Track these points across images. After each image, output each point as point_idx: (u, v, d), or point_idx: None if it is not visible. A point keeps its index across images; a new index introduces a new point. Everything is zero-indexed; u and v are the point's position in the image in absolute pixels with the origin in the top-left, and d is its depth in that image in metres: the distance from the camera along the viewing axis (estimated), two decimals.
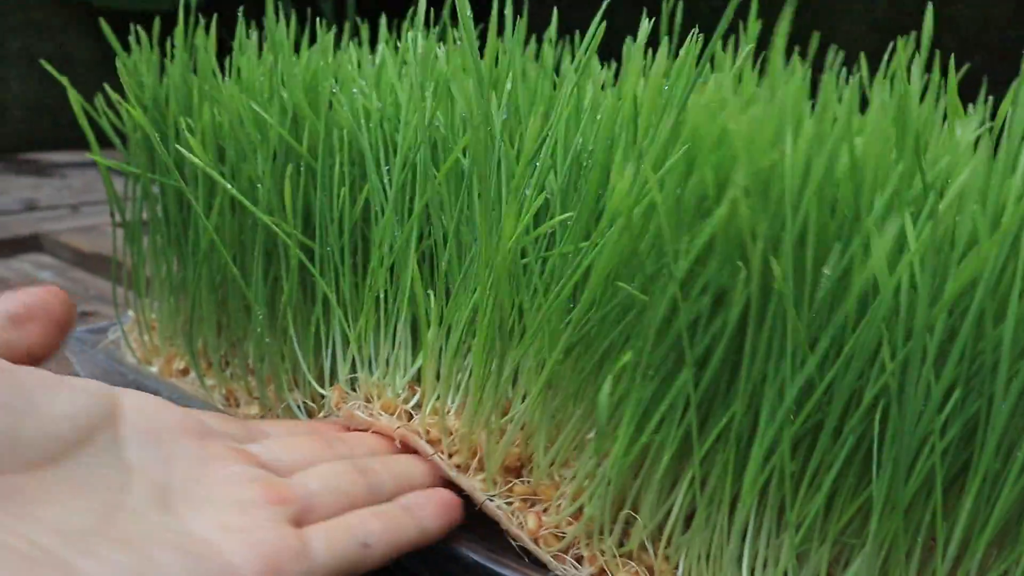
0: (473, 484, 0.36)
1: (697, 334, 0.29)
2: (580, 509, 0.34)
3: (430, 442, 0.37)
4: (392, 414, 0.39)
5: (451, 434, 0.37)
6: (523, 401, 0.36)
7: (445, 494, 0.35)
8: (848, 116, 0.25)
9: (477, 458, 0.37)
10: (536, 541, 0.34)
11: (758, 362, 0.28)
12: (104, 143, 0.45)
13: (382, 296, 0.40)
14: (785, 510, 0.29)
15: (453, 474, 0.36)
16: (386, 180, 0.40)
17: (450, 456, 0.37)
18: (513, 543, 0.34)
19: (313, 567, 0.28)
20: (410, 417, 0.39)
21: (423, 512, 0.33)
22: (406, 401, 0.39)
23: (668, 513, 0.32)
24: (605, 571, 0.33)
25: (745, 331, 0.28)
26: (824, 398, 0.28)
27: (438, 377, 0.38)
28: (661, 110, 0.31)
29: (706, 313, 0.29)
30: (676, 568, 0.32)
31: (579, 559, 0.33)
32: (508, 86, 0.37)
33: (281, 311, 0.42)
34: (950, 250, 0.27)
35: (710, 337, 0.29)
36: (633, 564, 0.33)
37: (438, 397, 0.38)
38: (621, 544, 0.33)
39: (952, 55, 0.33)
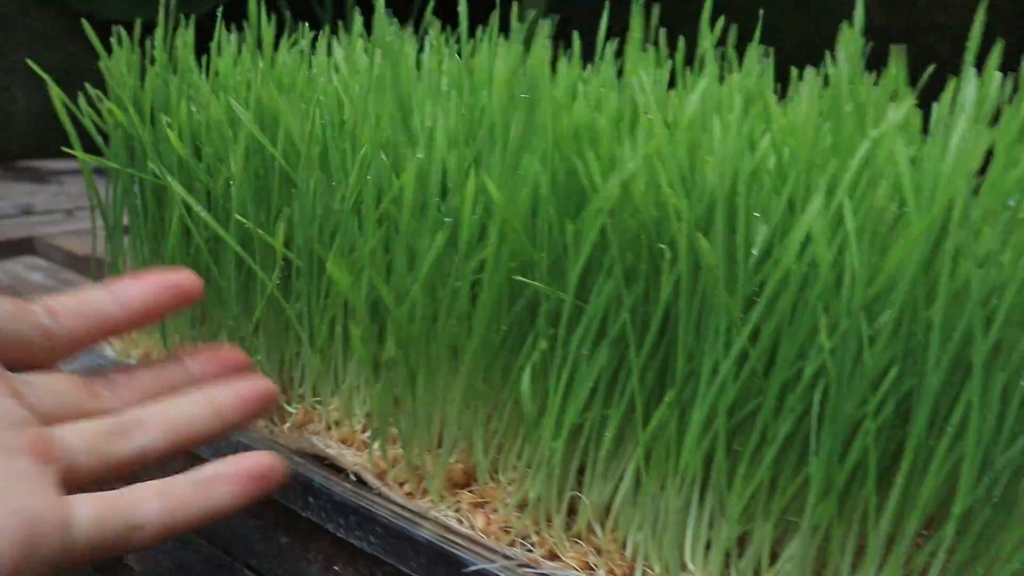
0: (422, 507, 0.36)
1: (608, 316, 0.30)
2: (526, 499, 0.34)
3: (379, 474, 0.38)
4: (351, 445, 0.40)
5: (396, 463, 0.38)
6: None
7: (250, 467, 0.31)
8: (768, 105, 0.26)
9: (423, 483, 0.37)
10: (488, 538, 0.35)
11: (689, 340, 0.29)
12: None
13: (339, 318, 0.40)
14: (728, 487, 0.30)
15: (402, 502, 0.37)
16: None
17: (401, 485, 0.38)
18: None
19: (75, 544, 0.26)
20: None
21: (219, 488, 0.30)
22: (364, 429, 0.41)
23: (614, 493, 0.33)
24: (555, 553, 0.33)
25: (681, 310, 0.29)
26: (761, 375, 0.29)
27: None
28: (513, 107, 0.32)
29: (620, 294, 0.30)
30: (623, 547, 0.33)
31: (525, 542, 0.34)
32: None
33: (253, 323, 0.43)
34: (886, 231, 0.28)
35: (640, 318, 0.30)
36: (582, 544, 0.34)
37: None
38: (570, 527, 0.34)
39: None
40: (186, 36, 0.46)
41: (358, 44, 0.45)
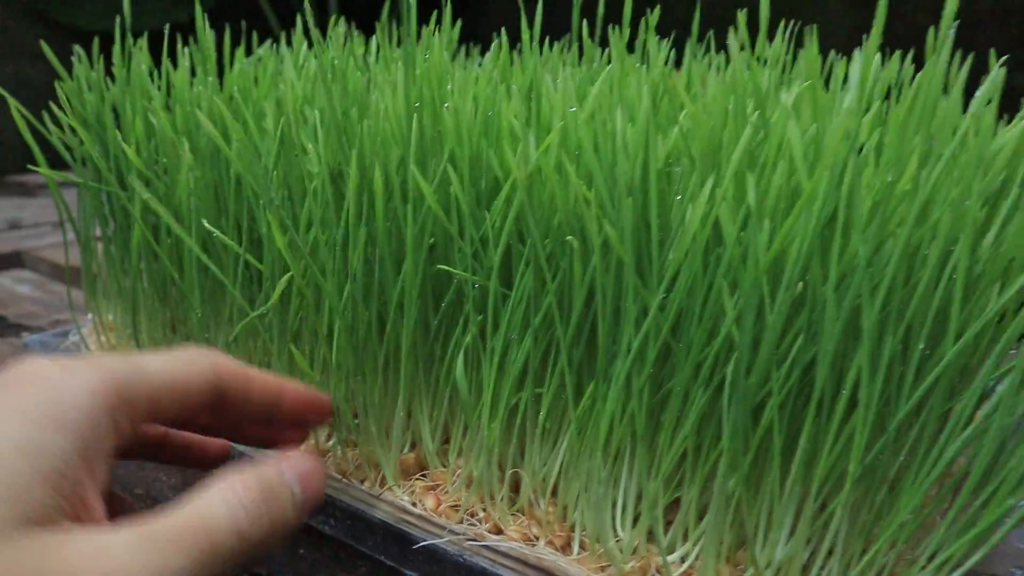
0: (376, 492, 0.39)
1: (529, 302, 0.32)
2: (472, 479, 0.37)
3: (343, 473, 0.40)
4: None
5: (357, 460, 0.40)
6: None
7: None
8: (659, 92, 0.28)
9: (381, 474, 0.40)
10: (439, 516, 0.37)
11: (607, 321, 0.31)
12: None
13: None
14: (651, 457, 0.32)
15: (360, 487, 0.39)
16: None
17: (362, 481, 0.40)
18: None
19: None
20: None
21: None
22: (329, 438, 0.42)
23: (551, 469, 0.35)
24: (499, 527, 0.35)
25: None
26: (676, 345, 0.31)
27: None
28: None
29: (538, 280, 0.32)
30: (563, 519, 0.35)
31: (473, 518, 0.36)
32: None
33: (224, 336, 0.45)
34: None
35: (567, 301, 0.32)
36: (524, 518, 0.36)
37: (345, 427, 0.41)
38: (515, 503, 0.36)
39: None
40: (141, 50, 0.48)
41: (301, 50, 0.47)
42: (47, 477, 0.23)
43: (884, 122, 0.33)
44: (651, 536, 0.33)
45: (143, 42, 0.48)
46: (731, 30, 0.33)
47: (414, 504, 0.38)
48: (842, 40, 0.43)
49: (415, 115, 0.35)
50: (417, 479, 0.39)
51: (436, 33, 0.45)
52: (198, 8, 0.44)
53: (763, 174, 0.31)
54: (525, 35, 0.37)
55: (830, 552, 0.31)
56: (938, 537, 0.29)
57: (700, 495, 0.33)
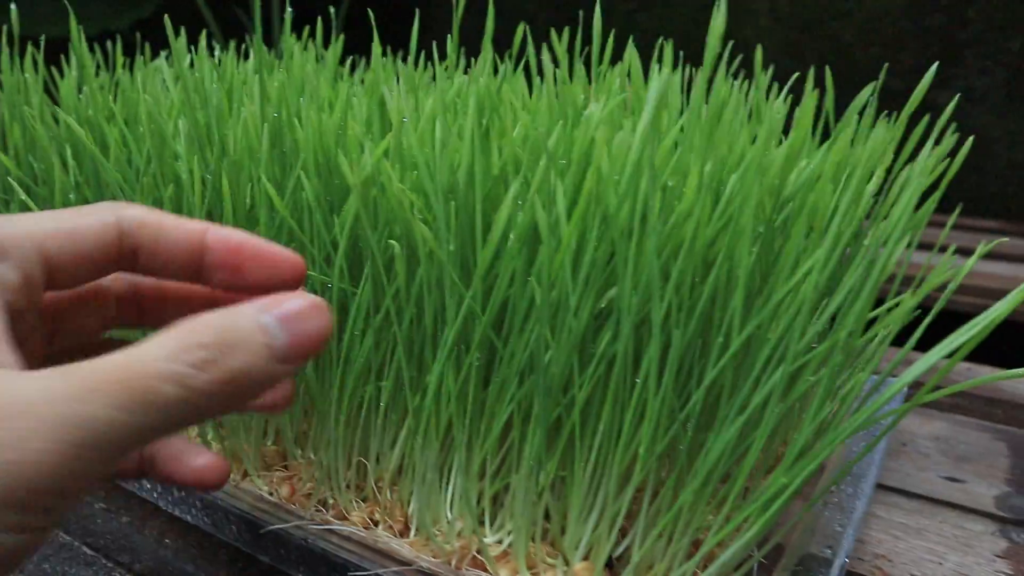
0: (234, 481, 0.41)
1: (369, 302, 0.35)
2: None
3: None
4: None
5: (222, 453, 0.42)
6: None
7: None
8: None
9: (243, 466, 0.42)
10: (293, 505, 0.39)
11: (433, 317, 0.33)
12: None
13: None
14: (468, 446, 0.34)
15: (229, 488, 0.40)
16: None
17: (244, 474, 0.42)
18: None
19: None
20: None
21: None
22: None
23: (393, 458, 0.37)
24: (345, 514, 0.37)
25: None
26: (497, 341, 0.33)
27: None
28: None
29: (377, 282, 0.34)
30: (406, 505, 0.37)
31: (325, 506, 0.38)
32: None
33: None
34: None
35: (392, 295, 0.34)
36: (368, 505, 0.38)
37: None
38: (363, 491, 0.38)
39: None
40: (34, 58, 0.49)
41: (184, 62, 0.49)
42: None
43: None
44: (482, 520, 0.36)
45: (31, 49, 0.50)
46: (546, 46, 0.36)
47: (271, 493, 0.40)
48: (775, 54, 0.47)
49: (266, 125, 0.37)
50: (277, 470, 0.41)
51: (310, 46, 0.47)
52: (73, 24, 0.45)
53: (575, 179, 0.33)
54: (376, 49, 0.40)
55: (635, 533, 0.33)
56: (723, 514, 0.32)
57: (525, 482, 0.35)
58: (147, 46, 0.56)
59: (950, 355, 0.30)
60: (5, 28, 0.50)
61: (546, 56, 0.39)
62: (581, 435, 0.32)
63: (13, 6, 0.50)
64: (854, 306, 0.30)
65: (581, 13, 0.47)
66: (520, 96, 0.42)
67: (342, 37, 0.53)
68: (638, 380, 0.31)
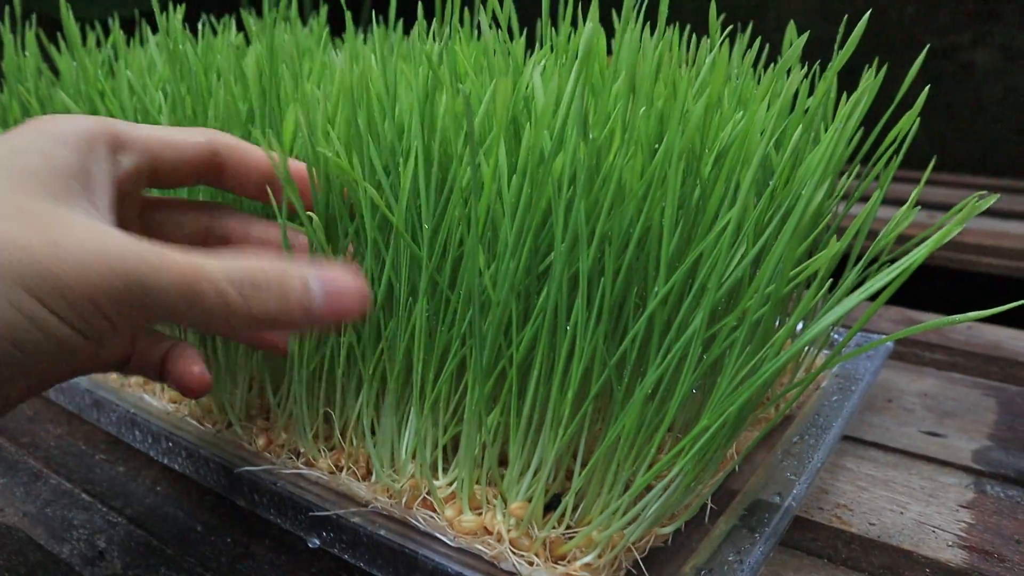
0: (212, 431, 0.43)
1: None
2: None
3: (197, 417, 0.45)
4: (175, 401, 0.47)
5: (208, 406, 0.45)
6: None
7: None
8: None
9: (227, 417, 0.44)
10: (268, 454, 0.41)
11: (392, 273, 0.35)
12: None
13: None
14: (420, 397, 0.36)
15: (212, 437, 0.43)
16: None
17: (213, 424, 0.44)
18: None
19: None
20: None
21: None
22: None
23: (355, 409, 0.39)
24: (311, 461, 0.40)
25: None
26: (452, 296, 0.35)
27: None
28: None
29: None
30: (368, 452, 0.39)
31: (297, 456, 0.41)
32: None
33: None
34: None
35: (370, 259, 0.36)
36: (335, 453, 0.40)
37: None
38: (328, 440, 0.41)
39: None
40: (38, 36, 0.52)
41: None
42: (60, 169, 0.27)
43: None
44: (436, 467, 0.37)
45: (31, 29, 0.53)
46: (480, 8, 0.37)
47: (249, 443, 0.42)
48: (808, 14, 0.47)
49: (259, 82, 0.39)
50: (259, 421, 0.44)
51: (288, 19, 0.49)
52: (62, 3, 0.48)
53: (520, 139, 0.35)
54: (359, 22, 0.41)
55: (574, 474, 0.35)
56: (652, 454, 0.33)
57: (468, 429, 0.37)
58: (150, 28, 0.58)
59: (872, 298, 0.31)
60: (7, 9, 0.53)
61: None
62: (521, 384, 0.34)
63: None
64: (774, 253, 0.31)
65: None
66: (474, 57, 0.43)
67: (324, 8, 0.55)
68: (568, 327, 0.32)
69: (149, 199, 0.37)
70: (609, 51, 0.40)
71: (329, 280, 0.28)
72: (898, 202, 0.40)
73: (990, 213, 1.41)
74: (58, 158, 0.28)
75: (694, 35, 0.44)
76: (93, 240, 0.25)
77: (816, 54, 0.39)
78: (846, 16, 0.39)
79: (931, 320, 0.30)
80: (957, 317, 0.31)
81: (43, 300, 0.24)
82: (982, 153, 1.68)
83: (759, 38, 0.45)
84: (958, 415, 0.56)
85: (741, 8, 1.84)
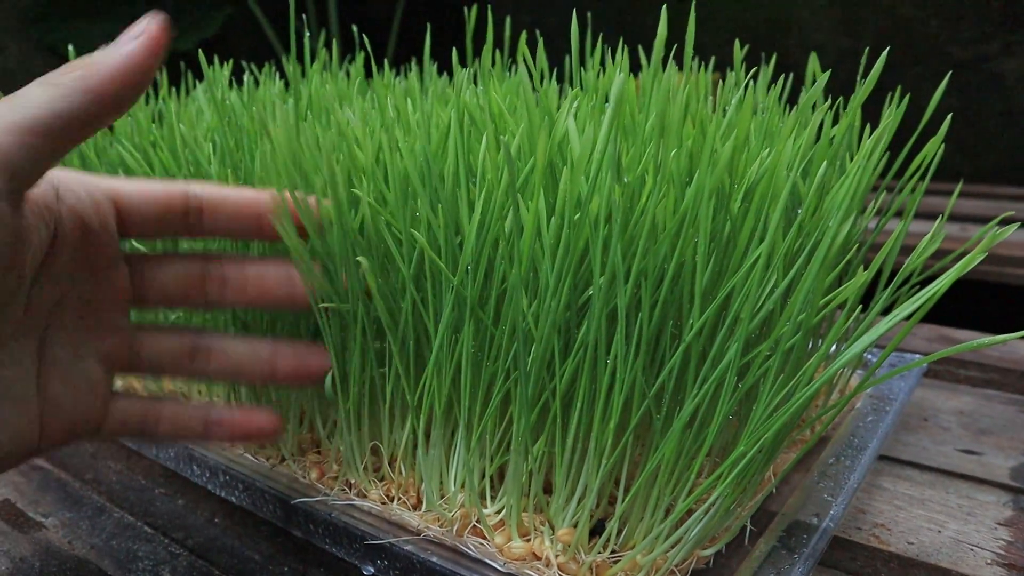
0: (266, 466, 0.45)
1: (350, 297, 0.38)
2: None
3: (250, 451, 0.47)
4: None
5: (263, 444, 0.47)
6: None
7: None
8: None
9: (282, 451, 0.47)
10: (321, 485, 0.43)
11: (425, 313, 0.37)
12: None
13: None
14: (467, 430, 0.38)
15: (267, 471, 0.45)
16: None
17: (268, 459, 0.46)
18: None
19: None
20: None
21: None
22: None
23: (403, 441, 0.41)
24: (363, 492, 0.42)
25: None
26: (495, 332, 0.37)
27: None
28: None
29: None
30: (420, 483, 0.41)
31: (349, 487, 0.42)
32: None
33: None
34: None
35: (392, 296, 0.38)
36: (386, 484, 0.42)
37: None
38: (378, 471, 0.42)
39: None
40: None
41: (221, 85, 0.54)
42: None
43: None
44: (484, 495, 0.39)
45: None
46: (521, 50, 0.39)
47: (303, 476, 0.44)
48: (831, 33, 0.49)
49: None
50: (311, 455, 0.46)
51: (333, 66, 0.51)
52: None
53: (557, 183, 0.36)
54: (386, 63, 0.43)
55: (614, 501, 0.36)
56: (692, 480, 0.35)
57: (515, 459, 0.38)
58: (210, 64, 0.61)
59: (908, 317, 0.32)
60: None
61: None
62: (564, 416, 0.36)
63: (71, 46, 0.56)
64: (803, 283, 0.32)
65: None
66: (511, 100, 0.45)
67: (361, 55, 0.57)
68: (608, 360, 0.34)
69: (135, 255, 0.38)
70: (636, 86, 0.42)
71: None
72: (929, 215, 0.41)
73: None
74: None
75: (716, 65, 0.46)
76: None
77: (840, 68, 0.40)
78: (869, 31, 0.40)
79: (965, 338, 0.31)
80: (986, 340, 0.32)
81: None
82: (1013, 163, 1.67)
83: (775, 64, 0.47)
84: (995, 432, 0.56)
85: (763, 26, 1.85)
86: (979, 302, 1.20)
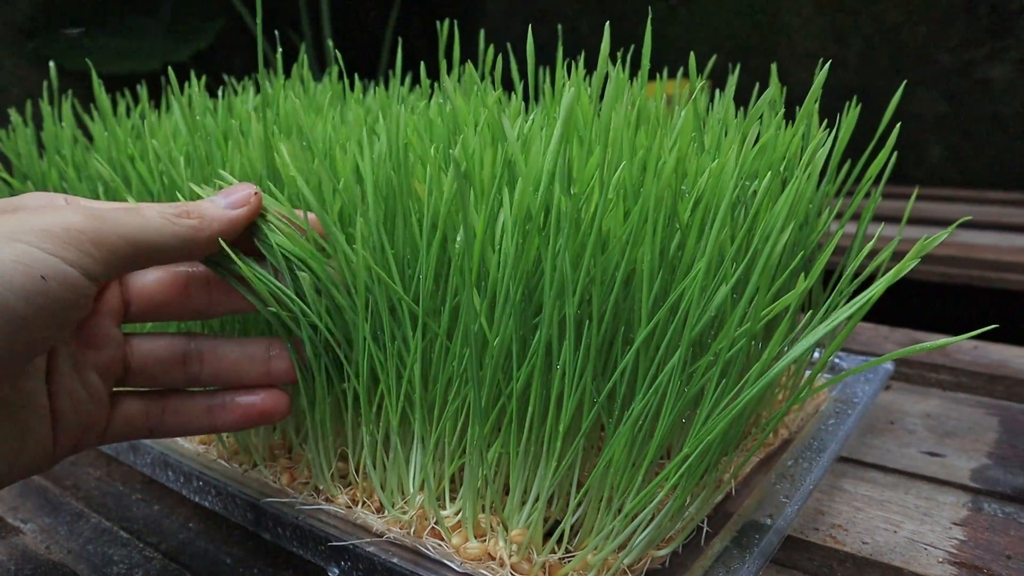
0: (238, 471, 0.46)
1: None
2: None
3: (222, 456, 0.48)
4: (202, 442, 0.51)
5: (234, 447, 0.48)
6: None
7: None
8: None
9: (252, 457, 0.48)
10: (291, 490, 0.44)
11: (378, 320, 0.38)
12: None
13: None
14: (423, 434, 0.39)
15: (239, 476, 0.46)
16: None
17: (240, 465, 0.47)
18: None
19: None
20: None
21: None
22: None
23: (366, 448, 0.42)
24: (329, 497, 0.43)
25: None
26: (447, 343, 0.38)
27: None
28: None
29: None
30: (382, 487, 0.42)
31: (317, 492, 0.43)
32: None
33: None
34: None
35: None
36: (351, 489, 0.43)
37: None
38: (345, 477, 0.43)
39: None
40: (66, 109, 0.56)
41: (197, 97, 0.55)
42: None
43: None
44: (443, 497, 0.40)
45: (69, 99, 0.57)
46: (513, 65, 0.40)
47: (274, 481, 0.45)
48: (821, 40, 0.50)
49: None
50: (282, 460, 0.47)
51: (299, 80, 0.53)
52: (94, 77, 0.52)
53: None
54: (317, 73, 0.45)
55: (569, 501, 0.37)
56: (640, 481, 0.36)
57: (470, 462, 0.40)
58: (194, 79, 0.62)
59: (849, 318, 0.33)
60: (45, 83, 0.57)
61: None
62: (519, 419, 0.37)
63: (52, 64, 0.57)
64: (745, 292, 0.33)
65: (614, 13, 0.50)
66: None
67: (335, 68, 0.58)
68: (558, 367, 0.35)
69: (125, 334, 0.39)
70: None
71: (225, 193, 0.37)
72: (918, 221, 0.42)
73: (1009, 228, 1.41)
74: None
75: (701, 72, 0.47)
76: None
77: (830, 75, 0.41)
78: (859, 38, 0.42)
79: (929, 342, 0.32)
80: (937, 342, 0.33)
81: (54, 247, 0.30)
82: (1001, 168, 1.68)
83: (762, 71, 0.48)
84: (959, 435, 0.57)
85: (753, 33, 1.87)
86: (960, 307, 1.21)
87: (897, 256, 0.51)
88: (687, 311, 0.34)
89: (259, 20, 0.40)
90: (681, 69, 0.53)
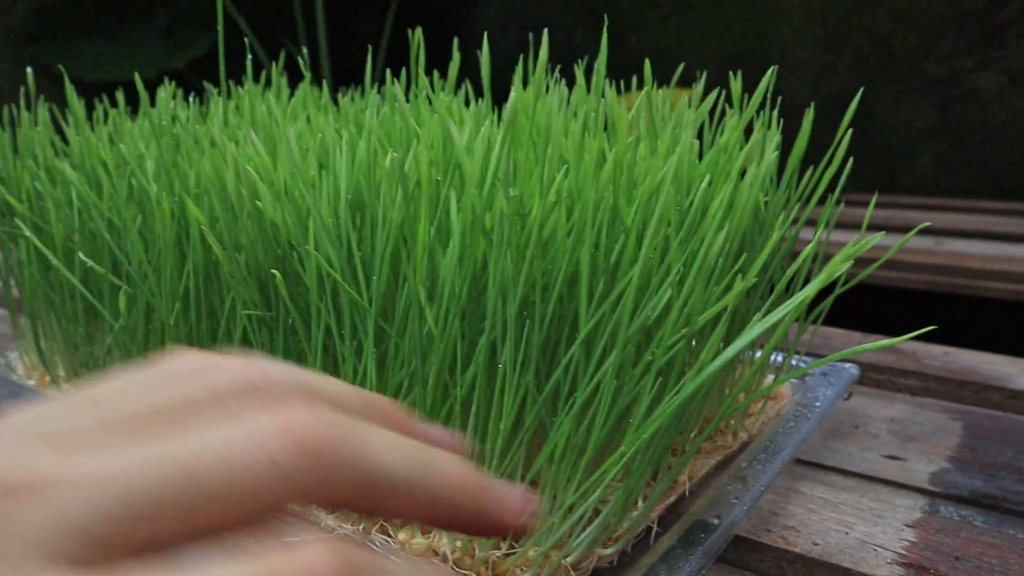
0: None
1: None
2: None
3: None
4: None
5: None
6: None
7: None
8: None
9: None
10: None
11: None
12: None
13: None
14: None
15: None
16: None
17: None
18: None
19: None
20: None
21: None
22: None
23: None
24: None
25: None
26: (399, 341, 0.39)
27: None
28: None
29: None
30: None
31: None
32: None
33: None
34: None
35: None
36: None
37: None
38: None
39: None
40: (43, 115, 0.57)
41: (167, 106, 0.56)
42: None
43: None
44: None
45: (43, 104, 0.58)
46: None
47: None
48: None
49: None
50: None
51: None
52: (67, 85, 0.53)
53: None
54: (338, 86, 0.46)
55: None
56: (579, 478, 0.36)
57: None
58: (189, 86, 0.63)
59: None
60: (22, 89, 0.58)
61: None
62: (464, 418, 0.37)
63: (29, 69, 0.58)
64: (680, 295, 0.34)
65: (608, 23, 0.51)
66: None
67: (308, 74, 0.59)
68: (500, 366, 0.36)
69: None
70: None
71: None
72: (906, 230, 0.43)
73: (998, 237, 1.42)
74: None
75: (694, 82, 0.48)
76: None
77: (820, 84, 0.42)
78: (849, 47, 0.43)
79: (910, 348, 0.33)
80: (880, 343, 0.34)
81: None
82: (990, 177, 1.69)
83: (751, 81, 0.49)
84: (921, 439, 0.58)
85: (745, 43, 1.88)
86: (949, 316, 1.21)
87: (860, 262, 0.52)
88: (622, 311, 0.34)
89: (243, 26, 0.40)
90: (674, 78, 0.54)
